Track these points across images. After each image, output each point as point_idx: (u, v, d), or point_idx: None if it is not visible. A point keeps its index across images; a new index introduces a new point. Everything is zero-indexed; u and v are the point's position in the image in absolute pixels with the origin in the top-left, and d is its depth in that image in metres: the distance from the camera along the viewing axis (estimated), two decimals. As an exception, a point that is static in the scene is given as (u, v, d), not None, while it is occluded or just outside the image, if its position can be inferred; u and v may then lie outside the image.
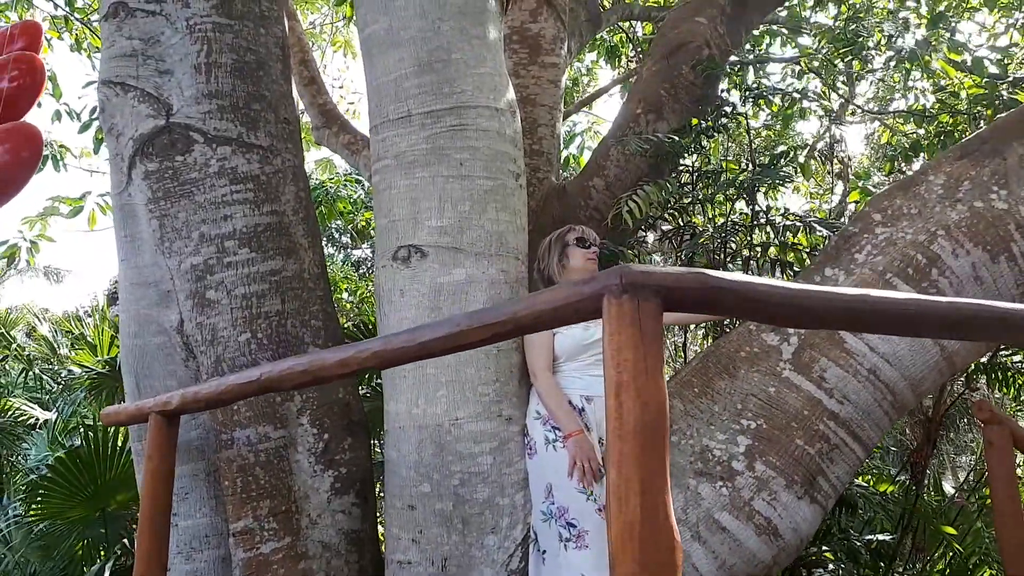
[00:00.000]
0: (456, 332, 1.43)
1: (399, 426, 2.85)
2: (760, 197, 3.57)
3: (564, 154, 8.58)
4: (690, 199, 3.78)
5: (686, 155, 3.77)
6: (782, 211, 3.63)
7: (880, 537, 3.49)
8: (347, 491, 3.04)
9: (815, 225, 3.38)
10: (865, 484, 3.54)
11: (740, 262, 3.67)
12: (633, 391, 1.11)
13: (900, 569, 3.53)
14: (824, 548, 3.43)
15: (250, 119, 3.12)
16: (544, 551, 2.63)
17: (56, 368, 9.23)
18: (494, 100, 2.98)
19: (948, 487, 5.09)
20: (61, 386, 9.16)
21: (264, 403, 2.94)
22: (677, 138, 3.68)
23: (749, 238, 3.62)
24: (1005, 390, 3.59)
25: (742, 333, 2.95)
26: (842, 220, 4.30)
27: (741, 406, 2.78)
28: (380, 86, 2.99)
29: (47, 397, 8.87)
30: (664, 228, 3.92)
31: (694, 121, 3.89)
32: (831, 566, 3.34)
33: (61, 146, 6.95)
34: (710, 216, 3.81)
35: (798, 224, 3.38)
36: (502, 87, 3.04)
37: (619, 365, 1.13)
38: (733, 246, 3.66)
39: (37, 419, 7.93)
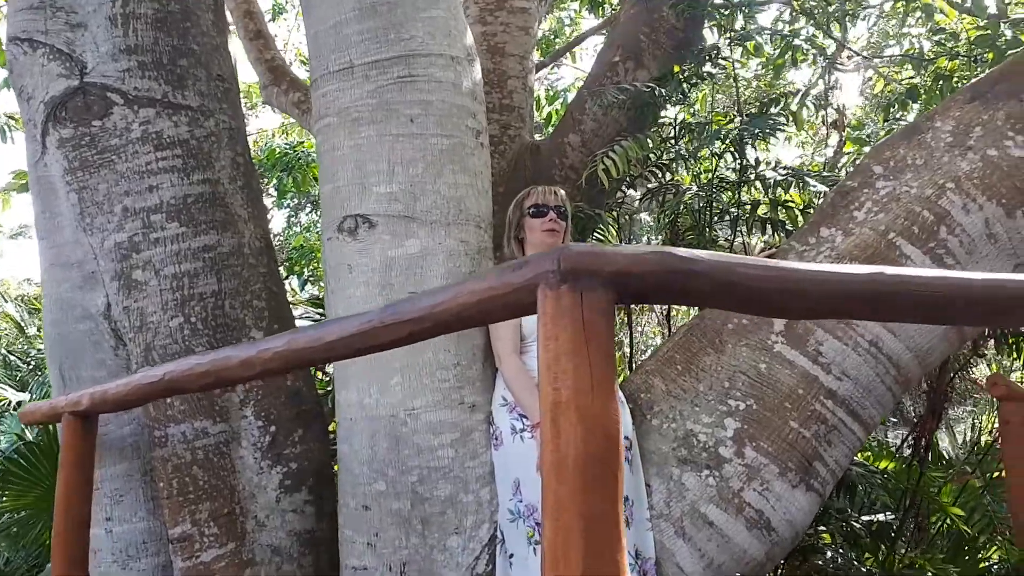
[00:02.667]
0: (366, 331, 1.13)
1: (350, 418, 2.56)
2: (750, 151, 3.26)
3: (547, 112, 8.19)
4: (673, 155, 3.44)
5: (668, 106, 3.44)
6: (773, 165, 3.31)
7: (880, 518, 3.25)
8: (298, 488, 2.76)
9: (808, 179, 3.07)
10: (864, 461, 3.30)
11: (728, 221, 3.37)
12: (574, 413, 0.82)
13: (903, 551, 3.31)
14: (821, 529, 3.19)
15: (176, 77, 2.77)
16: (511, 554, 2.36)
17: (25, 348, 8.92)
18: (448, 47, 2.64)
19: (947, 446, 4.86)
20: (31, 366, 8.88)
21: (200, 395, 2.64)
22: (658, 87, 3.34)
23: (737, 195, 3.31)
24: (1015, 356, 3.33)
25: (730, 303, 2.66)
26: (839, 173, 3.98)
27: (729, 385, 2.50)
28: (318, 34, 2.64)
29: (21, 376, 8.60)
30: (648, 186, 3.59)
31: (676, 69, 3.55)
32: (829, 553, 3.10)
33: (9, 116, 6.55)
34: (695, 173, 3.49)
35: (790, 178, 3.07)
36: (458, 32, 2.69)
37: (556, 379, 0.83)
38: (720, 205, 3.35)
39: (9, 401, 7.66)
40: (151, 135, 2.69)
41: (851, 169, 3.03)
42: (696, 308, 3.08)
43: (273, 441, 2.76)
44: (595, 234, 3.74)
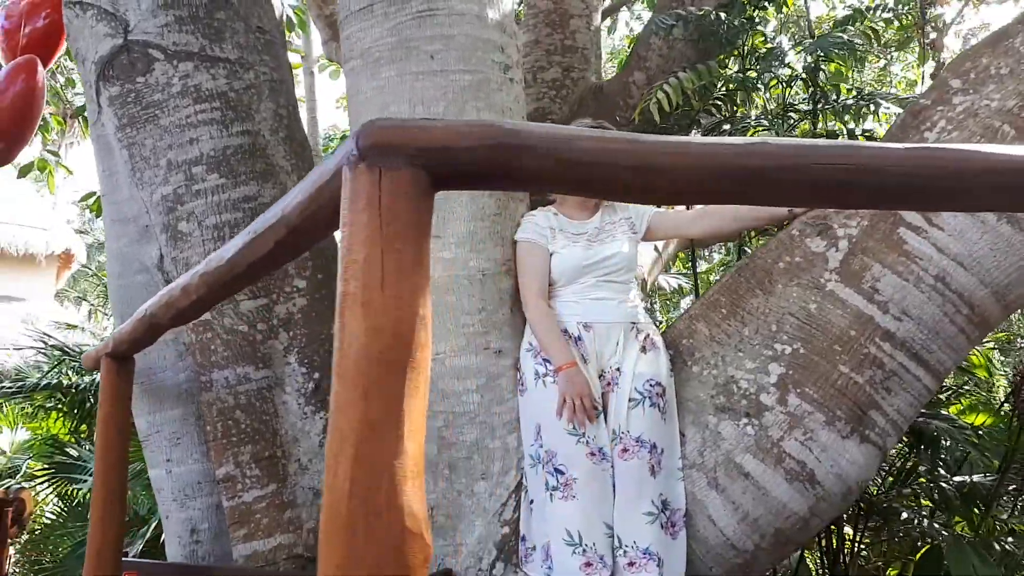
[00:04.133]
0: (248, 241, 1.07)
1: (380, 362, 2.54)
2: (826, 79, 2.94)
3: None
4: (736, 85, 3.16)
5: (736, 35, 3.15)
6: (853, 92, 2.97)
7: (976, 478, 2.90)
8: (342, 433, 2.78)
9: (883, 101, 2.72)
10: (952, 416, 2.94)
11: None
12: (359, 309, 0.72)
13: (1004, 516, 2.95)
14: (906, 492, 2.89)
15: (213, 30, 2.81)
16: (532, 500, 2.28)
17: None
18: (471, -22, 2.52)
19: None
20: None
21: (243, 342, 2.70)
22: (721, 11, 3.07)
23: (812, 127, 3.00)
24: None
25: (782, 240, 2.43)
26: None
27: (776, 328, 2.28)
28: (340, -25, 2.60)
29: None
30: (702, 121, 3.33)
31: (743, -10, 3.25)
32: (904, 514, 2.80)
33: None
34: (762, 104, 3.19)
35: (861, 103, 2.73)
36: (482, -39, 2.57)
37: (347, 269, 0.74)
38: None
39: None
40: (190, 88, 2.74)
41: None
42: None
43: (317, 388, 2.79)
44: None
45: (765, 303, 2.34)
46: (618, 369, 2.31)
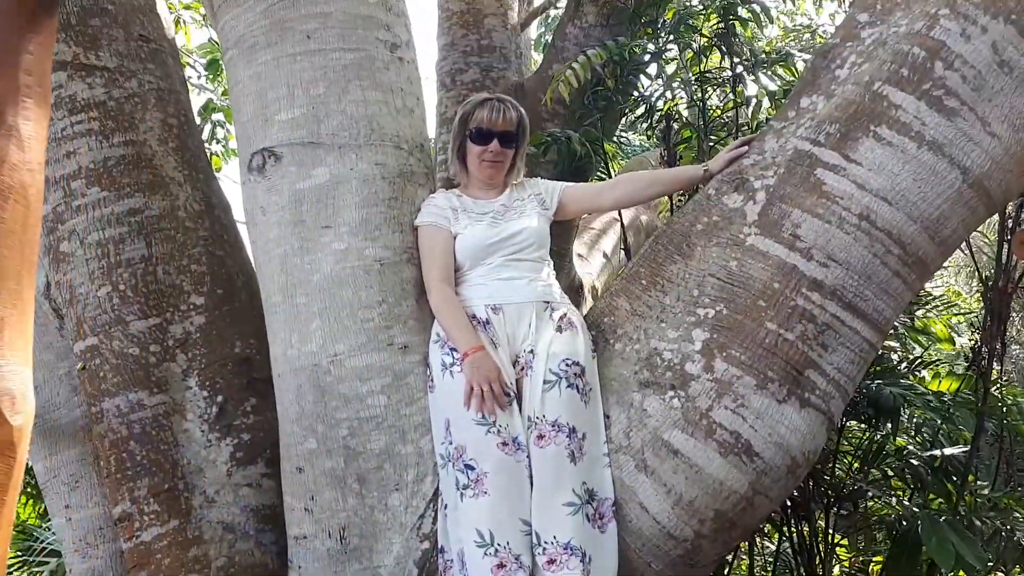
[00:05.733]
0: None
1: (278, 374, 2.32)
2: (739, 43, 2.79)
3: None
4: (644, 54, 3.01)
5: (644, 9, 3.01)
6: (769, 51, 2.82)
7: (948, 452, 2.67)
8: (253, 461, 2.54)
9: (795, 54, 2.58)
10: (913, 383, 2.73)
11: (727, 125, 2.90)
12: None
13: (986, 490, 2.73)
14: (873, 471, 2.66)
15: (88, 37, 2.63)
16: (446, 505, 2.04)
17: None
18: (347, -45, 2.37)
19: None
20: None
21: (134, 366, 2.47)
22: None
23: (733, 94, 2.83)
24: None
25: (699, 201, 2.26)
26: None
27: (698, 292, 2.09)
28: (211, -37, 2.45)
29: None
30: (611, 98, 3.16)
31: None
32: (871, 493, 2.56)
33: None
34: (682, 77, 3.04)
35: (771, 59, 2.59)
36: (360, -60, 2.42)
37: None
38: (715, 109, 2.90)
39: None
40: (64, 99, 2.56)
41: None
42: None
43: (221, 412, 2.55)
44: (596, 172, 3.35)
45: (685, 268, 2.15)
46: (531, 351, 2.10)
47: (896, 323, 2.77)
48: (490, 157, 2.27)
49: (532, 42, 6.83)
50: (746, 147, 2.25)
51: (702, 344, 2.01)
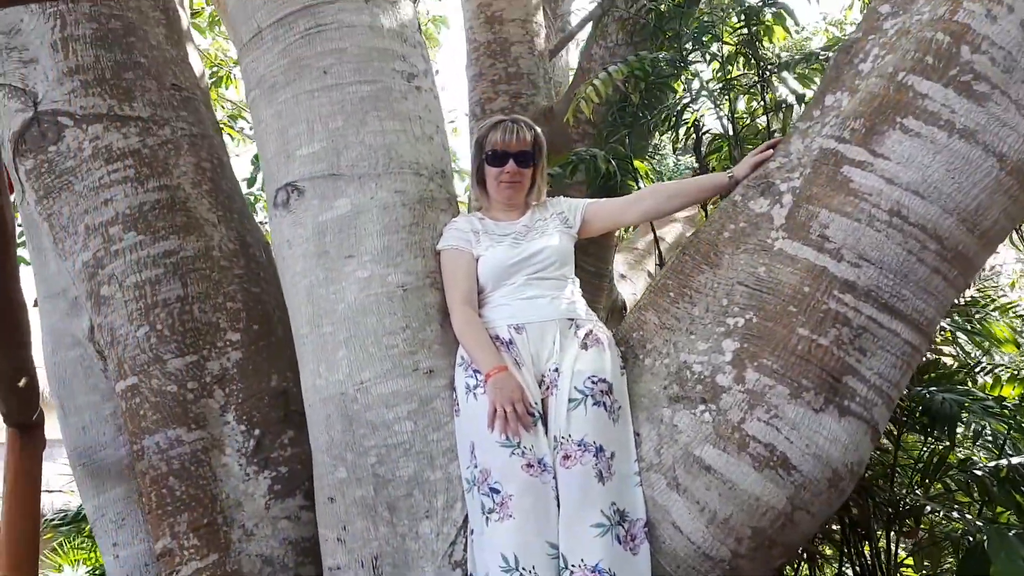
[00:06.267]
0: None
1: (309, 404, 2.33)
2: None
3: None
4: (669, 67, 2.95)
5: (665, 23, 2.97)
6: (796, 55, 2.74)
7: (1016, 460, 2.49)
8: (291, 493, 2.55)
9: (825, 54, 2.49)
10: (972, 389, 2.56)
11: (756, 133, 2.82)
12: None
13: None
14: (932, 484, 2.50)
15: (122, 90, 2.74)
16: (472, 531, 1.99)
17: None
18: (360, -11, 2.42)
19: None
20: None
21: (173, 403, 2.52)
22: (653, 3, 2.92)
23: (762, 99, 2.76)
24: None
25: (725, 208, 2.19)
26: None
27: (727, 301, 2.02)
28: (231, 8, 2.52)
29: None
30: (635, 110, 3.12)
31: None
32: (929, 509, 2.39)
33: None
34: (703, 84, 2.98)
35: (804, 62, 2.50)
36: (373, -26, 2.47)
37: None
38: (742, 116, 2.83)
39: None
40: (101, 150, 2.66)
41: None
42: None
43: (259, 445, 2.57)
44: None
45: (713, 277, 2.08)
46: (556, 370, 2.05)
47: (948, 325, 2.63)
48: (507, 178, 2.26)
49: (572, 69, 6.87)
50: (771, 151, 2.19)
51: (732, 355, 1.93)
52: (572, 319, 2.15)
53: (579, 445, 1.92)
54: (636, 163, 3.22)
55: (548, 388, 2.05)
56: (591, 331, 2.13)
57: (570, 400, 1.97)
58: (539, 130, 2.35)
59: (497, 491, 1.91)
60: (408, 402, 2.17)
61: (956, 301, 3.13)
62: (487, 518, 1.90)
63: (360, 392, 2.18)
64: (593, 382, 1.99)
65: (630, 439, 1.98)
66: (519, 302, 2.16)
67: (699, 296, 2.09)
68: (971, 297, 3.03)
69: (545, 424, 2.00)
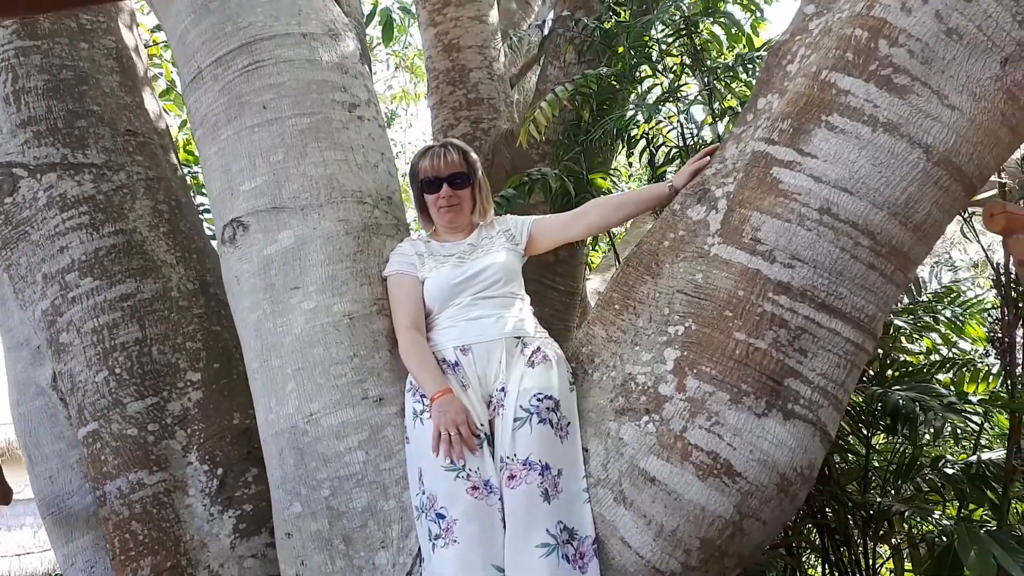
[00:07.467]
0: None
1: (263, 440, 2.31)
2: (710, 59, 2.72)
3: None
4: (619, 84, 2.96)
5: (611, 39, 2.98)
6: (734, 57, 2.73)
7: (986, 456, 2.43)
8: (257, 531, 2.53)
9: (753, 56, 2.49)
10: (934, 385, 2.51)
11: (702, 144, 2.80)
12: None
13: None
14: (904, 485, 2.45)
15: (75, 138, 2.77)
16: (422, 559, 1.96)
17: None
18: (298, 25, 2.45)
19: None
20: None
21: (133, 446, 2.51)
22: (597, 23, 2.93)
23: (709, 105, 2.75)
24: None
25: (665, 218, 2.18)
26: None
27: (668, 310, 2.01)
28: (174, 50, 2.56)
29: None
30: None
31: (622, -1, 3.12)
32: (902, 509, 2.34)
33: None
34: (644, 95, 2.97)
35: (729, 66, 2.50)
36: (311, 9, 2.50)
37: None
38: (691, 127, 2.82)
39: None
40: (55, 198, 2.68)
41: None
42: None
43: (222, 485, 2.56)
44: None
45: (655, 287, 2.07)
46: (503, 390, 2.03)
47: (904, 323, 2.59)
48: (444, 202, 2.26)
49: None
50: (708, 158, 2.18)
51: (674, 363, 1.92)
52: (519, 337, 2.13)
53: (524, 464, 1.89)
54: (597, 179, 3.22)
55: (495, 408, 2.03)
56: (538, 348, 2.11)
57: (515, 419, 1.96)
58: (469, 149, 2.36)
59: (443, 516, 1.88)
60: (358, 432, 2.15)
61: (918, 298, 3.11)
62: (433, 544, 1.87)
63: (310, 424, 2.17)
64: (539, 399, 1.97)
65: (579, 456, 1.96)
66: (465, 323, 2.15)
67: (642, 307, 2.08)
68: (936, 292, 3.00)
69: (492, 445, 1.98)
